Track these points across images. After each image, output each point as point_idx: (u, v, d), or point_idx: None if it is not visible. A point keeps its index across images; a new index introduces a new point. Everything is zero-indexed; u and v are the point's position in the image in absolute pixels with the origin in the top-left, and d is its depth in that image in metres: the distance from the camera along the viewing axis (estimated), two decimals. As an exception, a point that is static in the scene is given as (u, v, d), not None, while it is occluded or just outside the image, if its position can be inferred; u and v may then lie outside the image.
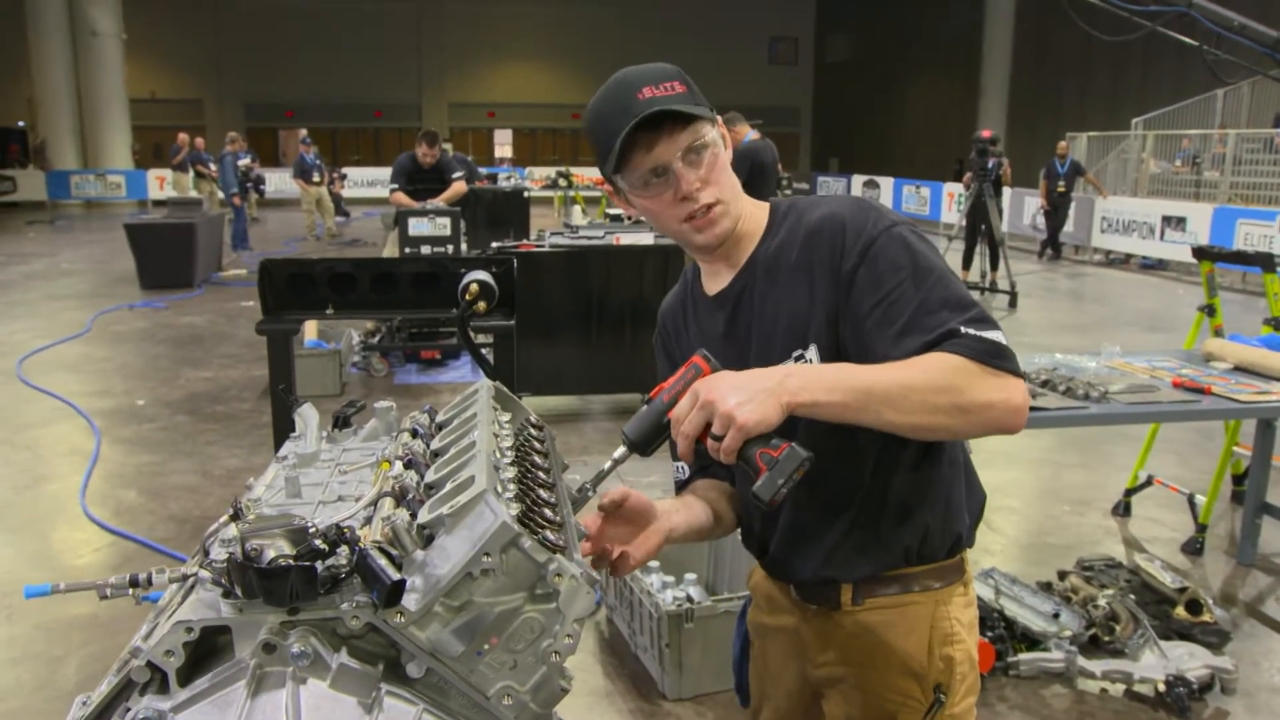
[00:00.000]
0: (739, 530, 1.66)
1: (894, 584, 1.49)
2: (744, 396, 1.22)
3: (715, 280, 1.54)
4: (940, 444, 1.46)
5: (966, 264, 12.11)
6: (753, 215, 1.50)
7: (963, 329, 1.26)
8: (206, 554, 1.18)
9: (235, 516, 1.25)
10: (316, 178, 16.75)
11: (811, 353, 1.41)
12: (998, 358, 1.26)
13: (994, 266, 11.67)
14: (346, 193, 21.81)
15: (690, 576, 3.66)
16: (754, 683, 1.78)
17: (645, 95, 1.38)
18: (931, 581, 1.50)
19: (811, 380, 1.25)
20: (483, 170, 16.77)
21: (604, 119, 1.40)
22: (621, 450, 1.39)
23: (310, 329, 7.31)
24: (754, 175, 7.02)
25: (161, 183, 22.61)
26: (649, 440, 1.37)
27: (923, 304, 1.30)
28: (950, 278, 1.34)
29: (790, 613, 1.61)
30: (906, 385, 1.23)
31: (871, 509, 1.47)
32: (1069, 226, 15.86)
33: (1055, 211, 15.54)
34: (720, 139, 1.44)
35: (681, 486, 1.65)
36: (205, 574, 1.11)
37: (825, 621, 1.55)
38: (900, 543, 1.47)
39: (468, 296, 3.58)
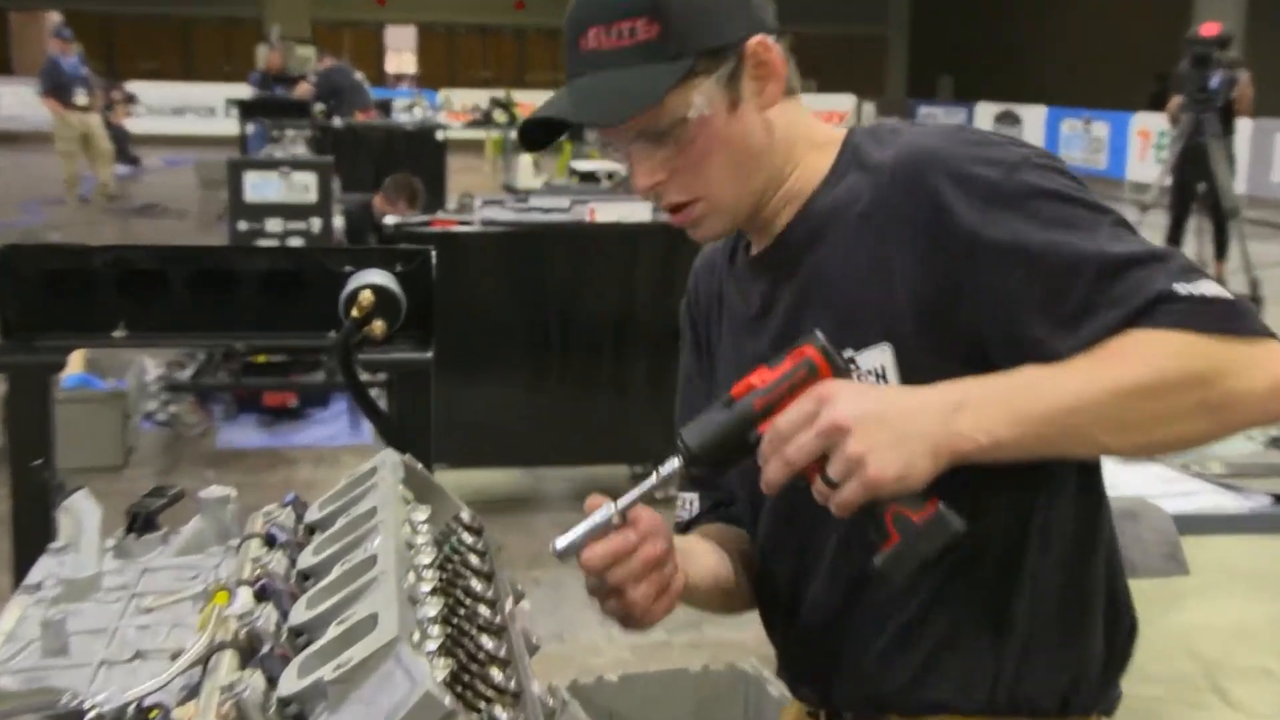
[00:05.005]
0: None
1: None
2: (887, 436, 0.94)
3: (762, 236, 1.20)
4: (1101, 526, 1.16)
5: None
6: (811, 164, 1.15)
7: (1176, 288, 0.95)
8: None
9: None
10: (82, 98, 12.05)
11: (878, 354, 1.08)
12: (1238, 319, 0.96)
13: (1221, 254, 7.64)
14: (135, 124, 15.65)
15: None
16: None
17: (583, 48, 1.10)
18: None
19: (990, 411, 0.96)
20: (372, 94, 12.40)
21: None
22: (672, 464, 1.05)
23: (74, 359, 5.41)
24: None
25: None
26: (718, 456, 1.02)
27: (1103, 264, 0.98)
28: (1125, 222, 1.05)
29: None
30: (1126, 390, 0.95)
31: (987, 609, 1.13)
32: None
33: None
34: (715, 99, 1.07)
35: (684, 529, 1.32)
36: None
37: None
38: (1006, 666, 1.14)
39: (356, 312, 2.58)
